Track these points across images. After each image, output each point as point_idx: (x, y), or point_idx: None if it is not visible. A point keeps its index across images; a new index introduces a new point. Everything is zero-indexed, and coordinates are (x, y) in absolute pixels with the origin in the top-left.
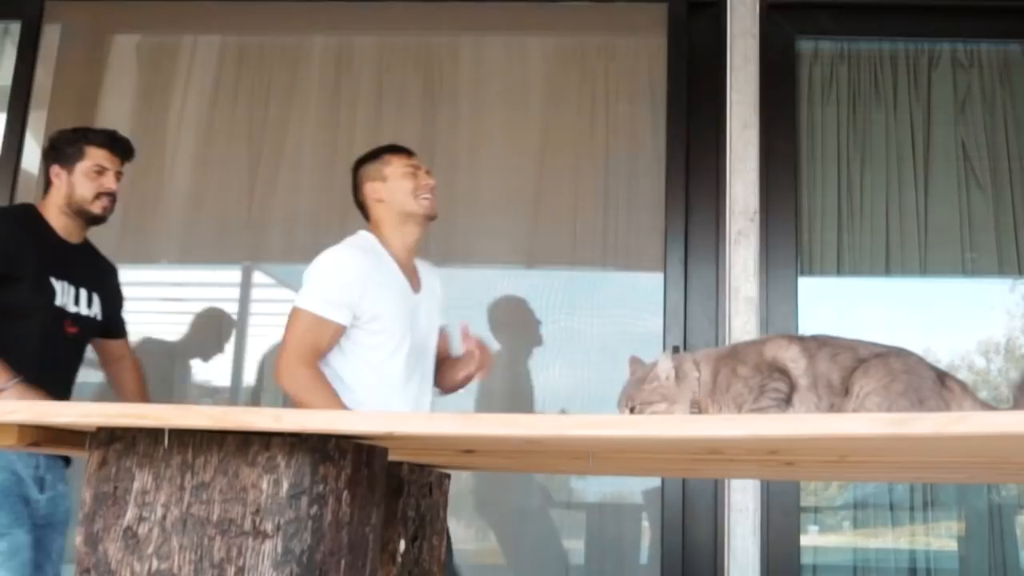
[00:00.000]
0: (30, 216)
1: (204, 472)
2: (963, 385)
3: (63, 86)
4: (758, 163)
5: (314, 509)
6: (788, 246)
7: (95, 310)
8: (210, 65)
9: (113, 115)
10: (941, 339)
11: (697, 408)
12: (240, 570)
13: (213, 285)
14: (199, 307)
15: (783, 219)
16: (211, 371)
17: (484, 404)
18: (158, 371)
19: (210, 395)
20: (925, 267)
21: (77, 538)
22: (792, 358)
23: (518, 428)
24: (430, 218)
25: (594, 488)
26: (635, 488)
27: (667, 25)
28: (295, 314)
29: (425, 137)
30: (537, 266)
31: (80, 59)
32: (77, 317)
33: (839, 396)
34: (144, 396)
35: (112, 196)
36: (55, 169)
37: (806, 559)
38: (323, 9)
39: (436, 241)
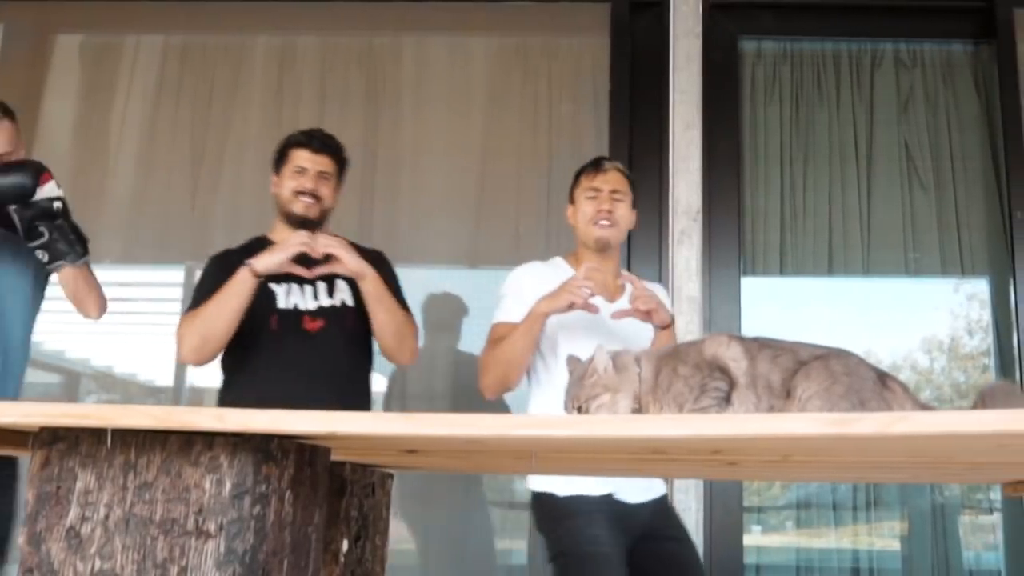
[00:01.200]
0: (253, 244)
1: (147, 472)
2: (904, 386)
3: (6, 85)
4: (701, 163)
5: (257, 509)
6: (731, 246)
7: (340, 296)
8: (153, 65)
9: (56, 115)
10: (884, 339)
11: (639, 405)
12: (183, 570)
13: (156, 285)
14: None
15: (726, 219)
16: (154, 371)
17: (427, 404)
18: (100, 371)
19: (153, 395)
20: (868, 267)
21: (20, 538)
22: (733, 357)
23: (461, 428)
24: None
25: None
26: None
27: (610, 25)
28: (491, 330)
29: (368, 137)
30: (480, 266)
31: (23, 59)
32: (319, 311)
33: (779, 399)
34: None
35: (313, 196)
36: (273, 179)
37: (749, 559)
38: (266, 9)
39: (379, 241)
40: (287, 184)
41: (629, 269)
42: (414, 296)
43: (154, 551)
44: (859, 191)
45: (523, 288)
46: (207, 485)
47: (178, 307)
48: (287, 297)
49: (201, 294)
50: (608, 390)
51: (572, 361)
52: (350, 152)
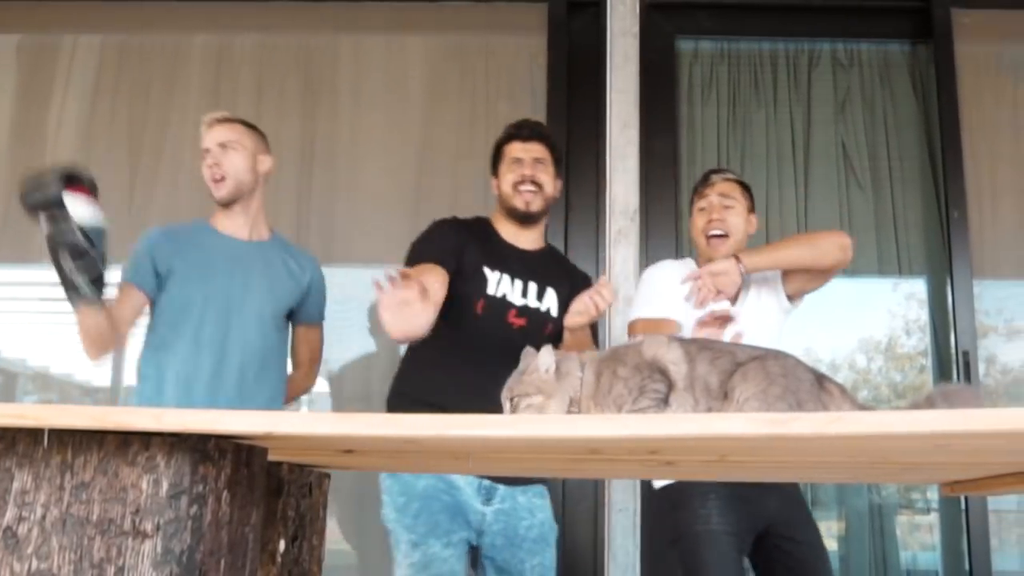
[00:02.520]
0: (476, 222)
1: (84, 472)
2: (841, 388)
3: None
4: (638, 162)
5: (194, 509)
6: (668, 245)
7: (548, 304)
8: (91, 64)
9: None
10: (823, 339)
11: (577, 408)
12: (120, 570)
13: None
14: None
15: (663, 218)
16: (91, 371)
17: (366, 405)
18: (37, 371)
19: (90, 395)
20: None
21: None
22: (673, 360)
23: (397, 428)
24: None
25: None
26: None
27: (547, 24)
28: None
29: (305, 136)
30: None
31: None
32: (525, 309)
33: (717, 400)
34: None
35: (533, 182)
36: (493, 182)
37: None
38: (203, 9)
39: (316, 239)
40: (505, 178)
41: None
42: (353, 293)
43: (91, 551)
44: (796, 191)
45: (657, 285)
46: (144, 485)
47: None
48: (498, 285)
49: (421, 253)
50: (541, 392)
51: (528, 355)
52: (287, 151)
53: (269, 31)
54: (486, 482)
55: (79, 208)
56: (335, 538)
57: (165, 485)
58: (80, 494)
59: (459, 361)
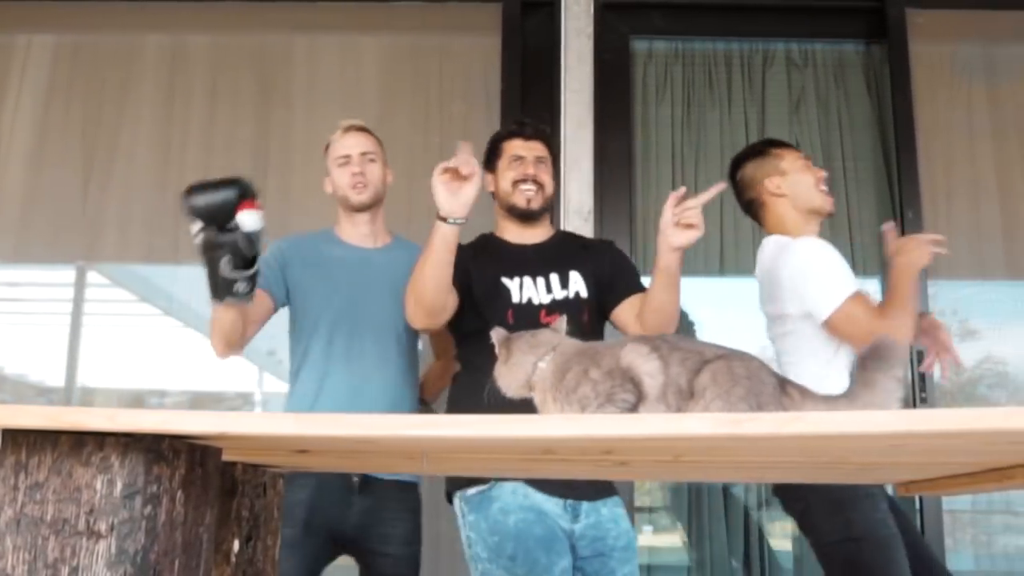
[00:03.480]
0: (479, 241)
1: (38, 472)
2: (803, 390)
3: None
4: (592, 162)
5: (148, 509)
6: (622, 245)
7: (575, 288)
8: (44, 64)
9: None
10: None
11: (531, 393)
12: (74, 570)
13: (47, 285)
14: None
15: (617, 218)
16: (45, 371)
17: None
18: None
19: (44, 395)
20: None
21: None
22: (649, 372)
23: (351, 428)
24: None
25: (424, 487)
26: None
27: (501, 25)
28: (853, 305)
29: (259, 136)
30: None
31: None
32: (554, 304)
33: (687, 399)
34: None
35: (535, 183)
36: (488, 179)
37: (641, 559)
38: (157, 9)
39: (270, 238)
40: (505, 175)
41: None
42: None
43: (45, 551)
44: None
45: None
46: (98, 485)
47: (70, 307)
48: (520, 291)
49: None
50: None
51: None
52: (241, 151)
53: (223, 31)
54: (570, 501)
55: (246, 216)
56: None
57: (119, 485)
58: (34, 494)
59: None
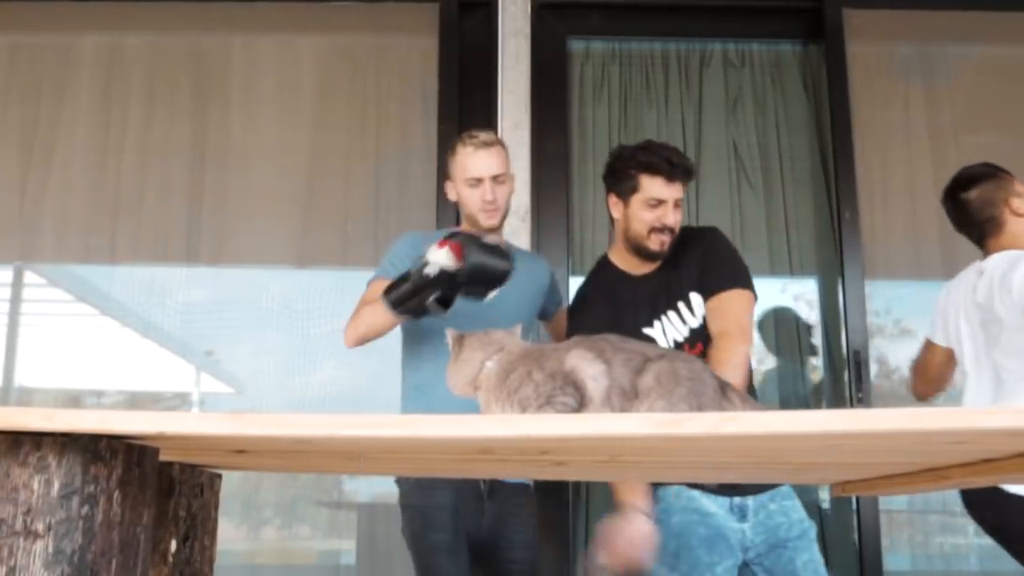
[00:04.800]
0: (604, 278)
1: None
2: (743, 397)
3: None
4: (529, 163)
5: (85, 509)
6: (559, 246)
7: (693, 322)
8: None
9: None
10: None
11: (476, 391)
12: (11, 570)
13: None
14: None
15: (554, 219)
16: None
17: (254, 406)
18: None
19: None
20: None
21: None
22: (593, 376)
23: (289, 428)
24: None
25: (365, 488)
26: None
27: (438, 25)
28: None
29: (196, 137)
30: (308, 266)
31: None
32: (693, 334)
33: (631, 400)
34: None
35: (671, 231)
36: (611, 199)
37: (578, 558)
38: (93, 9)
39: (206, 240)
40: (641, 216)
41: None
42: (242, 295)
43: None
44: (687, 191)
45: (943, 309)
46: (35, 485)
47: (6, 307)
48: (664, 335)
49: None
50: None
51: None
52: (178, 152)
53: (160, 31)
54: (736, 500)
55: (440, 256)
56: (227, 538)
57: (56, 485)
58: None
59: None
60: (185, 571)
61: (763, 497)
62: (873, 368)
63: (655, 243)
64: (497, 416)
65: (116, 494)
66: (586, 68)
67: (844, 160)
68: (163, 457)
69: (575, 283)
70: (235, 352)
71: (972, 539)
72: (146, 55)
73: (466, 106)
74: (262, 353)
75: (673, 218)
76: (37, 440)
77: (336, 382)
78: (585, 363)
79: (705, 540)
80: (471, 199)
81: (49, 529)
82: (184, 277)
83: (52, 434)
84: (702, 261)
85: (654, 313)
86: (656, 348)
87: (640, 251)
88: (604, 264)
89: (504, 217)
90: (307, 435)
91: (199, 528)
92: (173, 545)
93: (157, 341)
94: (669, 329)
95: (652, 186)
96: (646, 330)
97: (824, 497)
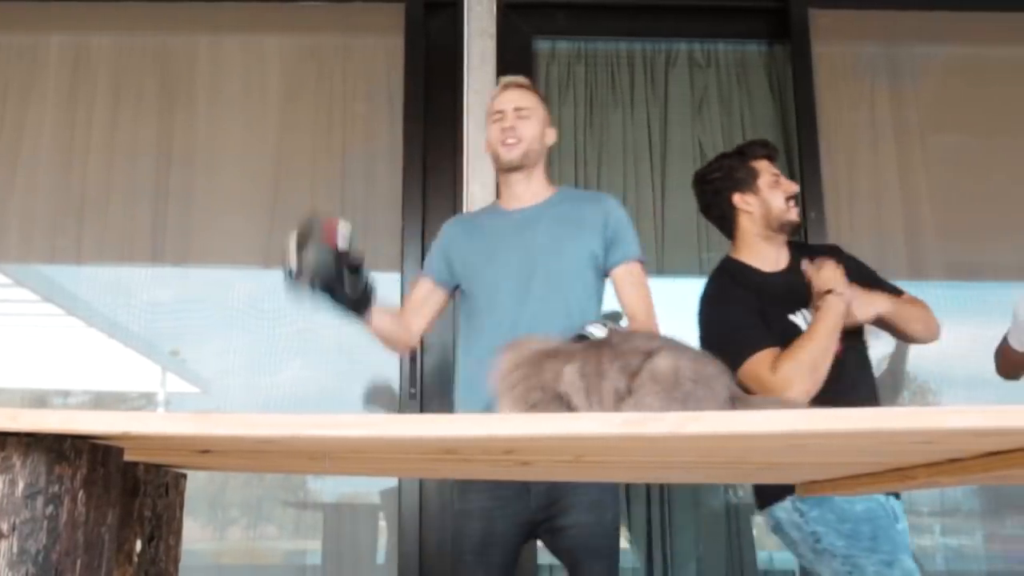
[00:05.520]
0: (739, 272)
1: None
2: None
3: None
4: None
5: (50, 509)
6: None
7: None
8: None
9: None
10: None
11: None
12: None
13: None
14: None
15: None
16: None
17: (220, 405)
18: None
19: None
20: (662, 266)
21: None
22: (579, 404)
23: (254, 428)
24: None
25: (331, 488)
26: (372, 488)
27: (404, 25)
28: None
29: (162, 137)
30: (274, 266)
31: None
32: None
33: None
34: None
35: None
36: (743, 198)
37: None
38: (59, 8)
39: (172, 240)
40: (775, 196)
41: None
42: (210, 295)
43: None
44: (653, 191)
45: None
46: (0, 485)
47: None
48: (806, 324)
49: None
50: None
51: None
52: (144, 152)
53: (125, 31)
54: (892, 500)
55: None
56: (192, 538)
57: (21, 485)
58: None
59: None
60: (150, 571)
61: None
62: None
63: (793, 213)
64: (460, 416)
65: (81, 494)
66: (552, 68)
67: (810, 160)
68: (128, 457)
69: None
70: (201, 352)
71: (939, 539)
72: (111, 55)
73: (432, 106)
74: (228, 353)
75: (794, 185)
76: (1, 440)
77: (302, 382)
78: (572, 390)
79: (894, 521)
80: (492, 133)
81: (13, 529)
82: (150, 277)
83: (16, 434)
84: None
85: (794, 304)
86: (669, 342)
87: (783, 227)
88: (731, 263)
89: (531, 156)
90: (271, 435)
91: (164, 528)
92: (138, 545)
93: (123, 341)
94: (810, 318)
95: (764, 167)
96: (791, 316)
97: None
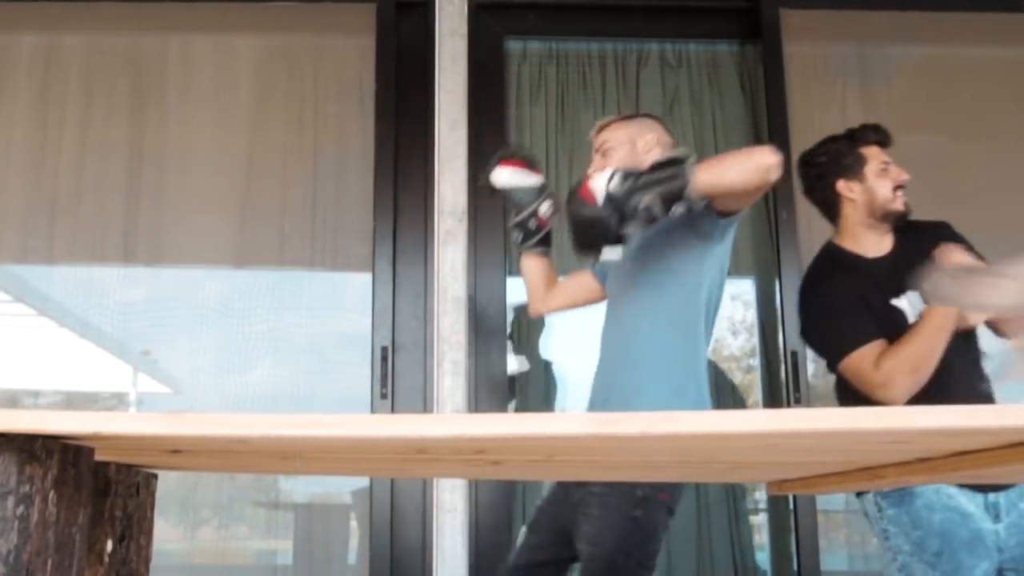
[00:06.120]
0: (829, 252)
1: None
2: None
3: None
4: (467, 163)
5: (20, 509)
6: (497, 246)
7: None
8: None
9: None
10: None
11: None
12: None
13: None
14: None
15: (492, 219)
16: None
17: (191, 405)
18: None
19: None
20: None
21: None
22: None
23: (227, 428)
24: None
25: (302, 488)
26: (343, 488)
27: (375, 25)
28: None
29: (134, 137)
30: (245, 266)
31: None
32: None
33: None
34: None
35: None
36: (848, 185)
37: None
38: (30, 9)
39: (144, 240)
40: (881, 183)
41: (395, 270)
42: (181, 295)
43: None
44: None
45: None
46: None
47: None
48: (911, 308)
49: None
50: None
51: None
52: (115, 152)
53: (97, 31)
54: (990, 497)
55: (503, 176)
56: (163, 538)
57: None
58: None
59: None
60: (121, 571)
61: (1012, 494)
62: (810, 368)
63: (900, 203)
64: (432, 416)
65: (52, 494)
66: (523, 68)
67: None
68: (99, 457)
69: (512, 283)
70: (172, 352)
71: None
72: (83, 55)
73: (403, 106)
74: (199, 352)
75: (904, 175)
76: None
77: (273, 381)
78: None
79: (967, 543)
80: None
81: None
82: (121, 277)
83: None
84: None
85: (899, 288)
86: None
87: (887, 216)
88: (833, 249)
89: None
90: (242, 435)
91: (135, 528)
92: (109, 545)
93: (94, 341)
94: (915, 302)
95: (874, 153)
96: (894, 301)
97: (761, 496)
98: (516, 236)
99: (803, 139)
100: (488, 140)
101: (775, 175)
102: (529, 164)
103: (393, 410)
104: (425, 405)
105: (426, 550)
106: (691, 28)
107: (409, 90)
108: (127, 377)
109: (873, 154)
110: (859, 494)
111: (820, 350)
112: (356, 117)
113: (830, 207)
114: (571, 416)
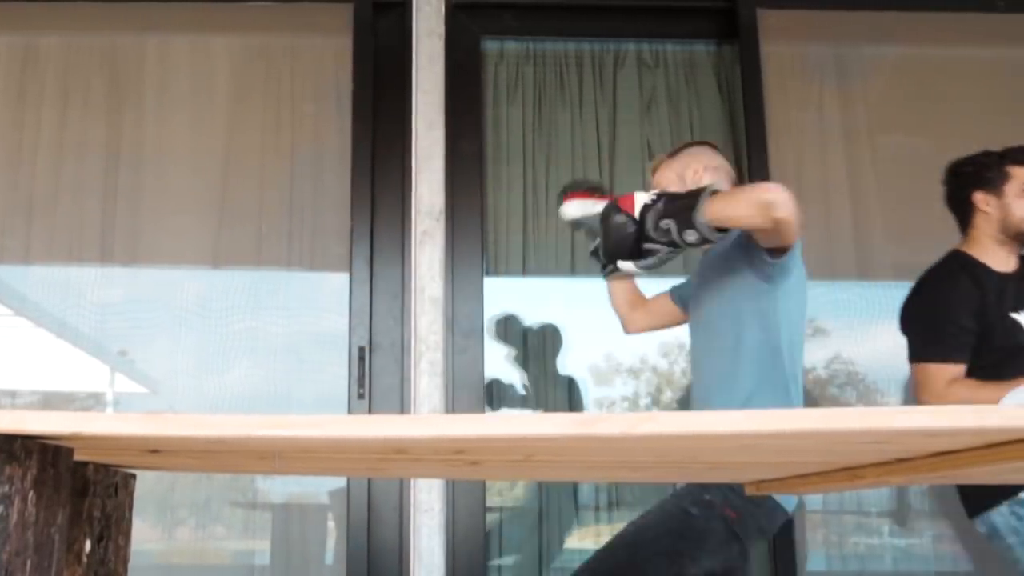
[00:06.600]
0: (954, 259)
1: None
2: None
3: None
4: (444, 163)
5: (0, 510)
6: (474, 246)
7: None
8: None
9: None
10: (622, 341)
11: None
12: None
13: None
14: None
15: (469, 219)
16: None
17: (170, 405)
18: None
19: None
20: None
21: None
22: None
23: (205, 428)
24: None
25: (280, 488)
26: (321, 488)
27: (352, 25)
28: None
29: (111, 138)
30: (222, 266)
31: None
32: None
33: None
34: None
35: None
36: (984, 197)
37: (492, 559)
38: (6, 9)
39: (121, 240)
40: (1019, 204)
41: (372, 270)
42: (158, 296)
43: None
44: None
45: None
46: None
47: None
48: None
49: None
50: None
51: None
52: (92, 153)
53: (73, 31)
54: None
55: (571, 209)
56: (142, 538)
57: None
58: None
59: None
60: (99, 571)
61: None
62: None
63: None
64: (411, 416)
65: (31, 494)
66: (500, 68)
67: (758, 160)
68: (77, 457)
69: (489, 283)
70: (150, 352)
71: (887, 539)
72: (60, 55)
73: (380, 106)
74: (177, 353)
75: None
76: None
77: (251, 382)
78: None
79: None
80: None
81: None
82: (98, 277)
83: None
84: None
85: (1020, 304)
86: None
87: (1019, 236)
88: (962, 255)
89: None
90: (221, 435)
91: (113, 528)
92: (87, 545)
93: (71, 341)
94: None
95: (1021, 173)
96: (1013, 315)
97: None
98: (600, 264)
99: (780, 139)
100: (465, 140)
101: (781, 212)
102: (593, 193)
103: (370, 410)
104: (402, 405)
105: (403, 550)
106: (668, 28)
107: (386, 90)
108: (104, 377)
109: (1018, 174)
110: (978, 514)
111: (911, 338)
112: (333, 117)
113: (964, 216)
114: (551, 416)
